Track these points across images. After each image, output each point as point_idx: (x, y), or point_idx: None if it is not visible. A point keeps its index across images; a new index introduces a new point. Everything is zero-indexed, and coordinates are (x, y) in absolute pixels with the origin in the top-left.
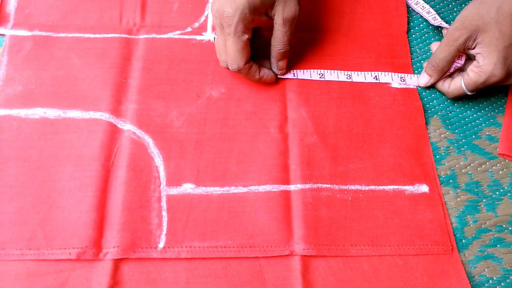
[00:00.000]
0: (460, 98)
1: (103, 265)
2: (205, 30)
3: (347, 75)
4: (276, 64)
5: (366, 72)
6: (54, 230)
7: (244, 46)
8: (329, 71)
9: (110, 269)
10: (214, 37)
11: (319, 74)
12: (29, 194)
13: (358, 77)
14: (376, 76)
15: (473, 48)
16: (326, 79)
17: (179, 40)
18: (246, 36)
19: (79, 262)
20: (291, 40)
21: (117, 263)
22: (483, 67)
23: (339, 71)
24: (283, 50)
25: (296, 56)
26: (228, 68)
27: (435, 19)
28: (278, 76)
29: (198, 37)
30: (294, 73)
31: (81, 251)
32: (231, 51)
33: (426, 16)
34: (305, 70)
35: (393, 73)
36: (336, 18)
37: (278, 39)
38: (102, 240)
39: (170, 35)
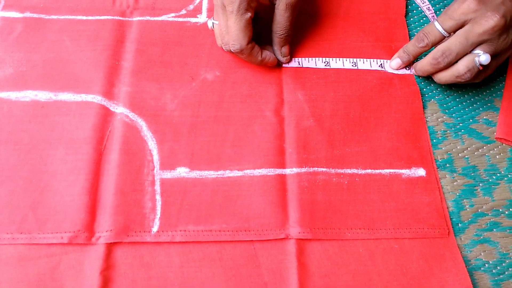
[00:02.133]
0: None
1: (95, 249)
2: (200, 12)
3: (352, 62)
4: (280, 51)
5: (371, 60)
6: (45, 213)
7: (246, 24)
8: (334, 59)
9: (103, 253)
10: (213, 23)
11: (325, 63)
12: (20, 177)
13: (364, 64)
14: (381, 64)
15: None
16: (331, 67)
17: (173, 23)
18: (249, 14)
19: (71, 246)
20: (293, 25)
21: (110, 247)
22: (478, 18)
23: (344, 59)
24: (285, 35)
25: (294, 40)
26: (230, 51)
27: (433, 18)
28: (284, 65)
29: (193, 20)
30: (299, 62)
31: (73, 235)
32: (234, 30)
33: (426, 12)
34: (310, 59)
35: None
36: (335, 1)
37: (281, 24)
38: (94, 224)
39: (164, 17)
